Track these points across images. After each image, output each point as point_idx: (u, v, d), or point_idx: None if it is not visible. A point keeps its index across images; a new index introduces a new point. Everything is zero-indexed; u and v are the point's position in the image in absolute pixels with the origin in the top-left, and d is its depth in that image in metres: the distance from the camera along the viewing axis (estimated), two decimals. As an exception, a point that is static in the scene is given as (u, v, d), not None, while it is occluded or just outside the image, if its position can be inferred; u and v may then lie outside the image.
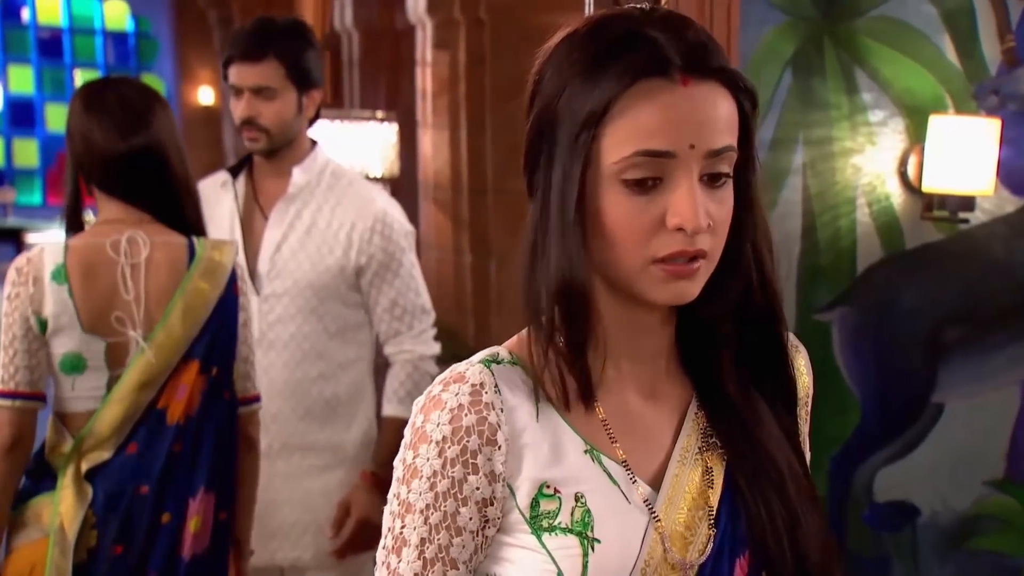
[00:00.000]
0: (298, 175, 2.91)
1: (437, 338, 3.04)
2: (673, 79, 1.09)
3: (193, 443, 2.41)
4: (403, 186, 6.42)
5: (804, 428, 1.28)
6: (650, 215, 1.10)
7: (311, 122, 2.95)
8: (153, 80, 13.75)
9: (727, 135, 1.11)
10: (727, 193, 1.13)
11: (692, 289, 1.12)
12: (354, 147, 5.06)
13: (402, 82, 7.00)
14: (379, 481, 2.82)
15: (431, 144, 6.02)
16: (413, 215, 6.70)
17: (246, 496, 2.59)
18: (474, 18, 5.71)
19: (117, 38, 14.60)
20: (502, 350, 1.18)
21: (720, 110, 1.11)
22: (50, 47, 14.41)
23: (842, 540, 3.03)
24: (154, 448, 2.39)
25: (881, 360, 3.00)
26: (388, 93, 7.14)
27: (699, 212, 1.09)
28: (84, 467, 2.37)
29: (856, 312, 2.98)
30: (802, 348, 1.29)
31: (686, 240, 1.09)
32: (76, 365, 2.38)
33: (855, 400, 3.00)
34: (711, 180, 1.11)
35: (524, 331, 1.19)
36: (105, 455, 2.37)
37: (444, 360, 2.79)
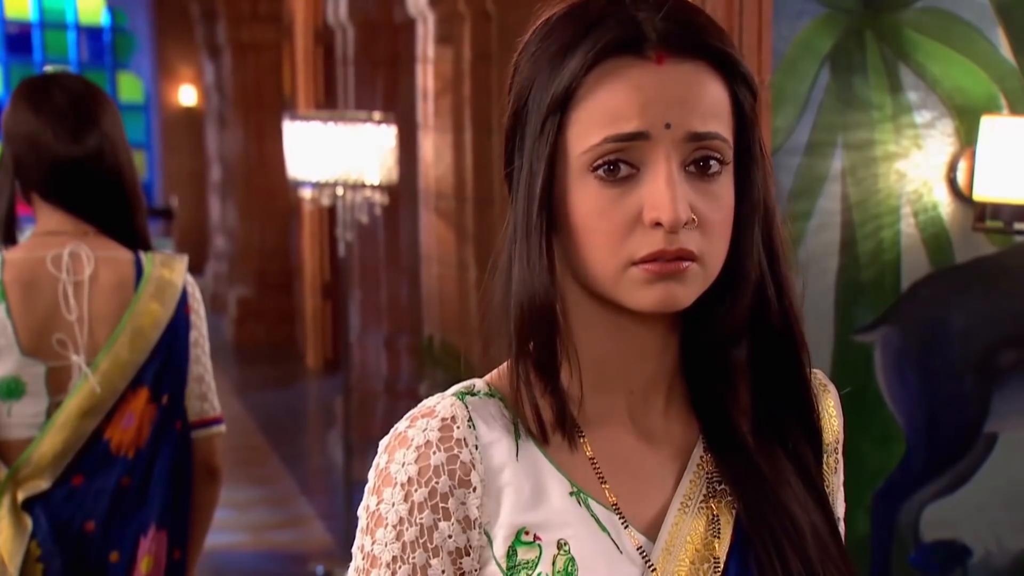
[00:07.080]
0: None
1: (440, 361, 3.01)
2: (645, 56, 1.05)
3: (143, 477, 2.40)
4: (402, 194, 6.41)
5: (836, 480, 1.22)
6: (625, 210, 1.05)
7: None
8: (130, 79, 13.79)
9: (713, 121, 1.06)
10: (722, 189, 1.08)
11: (681, 292, 1.06)
12: (348, 152, 5.05)
13: (401, 81, 7.01)
14: None
15: (432, 148, 6.02)
16: (413, 226, 6.69)
17: (200, 525, 2.57)
18: (480, 10, 5.70)
19: (91, 33, 14.67)
20: (479, 382, 1.14)
21: (705, 92, 1.06)
22: (19, 43, 14.49)
23: (886, 584, 3.01)
24: (100, 481, 2.37)
25: (928, 386, 3.00)
26: (386, 93, 7.15)
27: (678, 204, 1.03)
28: (20, 497, 2.35)
29: (901, 333, 2.97)
30: (832, 388, 1.23)
31: (667, 238, 1.04)
32: (13, 390, 2.36)
33: (900, 430, 2.99)
34: (699, 171, 1.06)
35: (507, 362, 1.14)
36: (43, 485, 2.35)
37: (449, 385, 2.74)
